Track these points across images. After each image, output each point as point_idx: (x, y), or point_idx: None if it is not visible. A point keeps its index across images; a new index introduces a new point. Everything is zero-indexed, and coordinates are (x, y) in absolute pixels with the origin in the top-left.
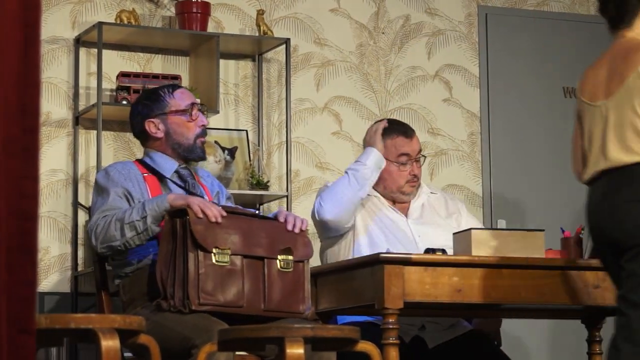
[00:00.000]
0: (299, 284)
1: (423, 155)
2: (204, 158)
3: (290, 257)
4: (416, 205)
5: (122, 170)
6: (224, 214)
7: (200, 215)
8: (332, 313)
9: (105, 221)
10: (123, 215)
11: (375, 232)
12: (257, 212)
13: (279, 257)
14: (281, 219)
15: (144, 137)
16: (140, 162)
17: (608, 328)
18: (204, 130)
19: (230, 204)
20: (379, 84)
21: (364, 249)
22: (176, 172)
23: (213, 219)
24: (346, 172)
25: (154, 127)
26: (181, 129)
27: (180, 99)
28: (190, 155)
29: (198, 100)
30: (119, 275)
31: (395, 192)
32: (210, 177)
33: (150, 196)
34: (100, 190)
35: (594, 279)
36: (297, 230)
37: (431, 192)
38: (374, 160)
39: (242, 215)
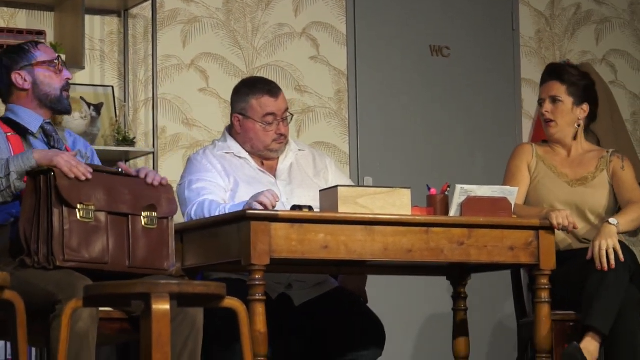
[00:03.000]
0: (163, 241)
1: (290, 114)
2: (70, 111)
3: (155, 214)
4: (284, 166)
5: None
6: (91, 170)
7: (71, 176)
8: (198, 269)
9: None
10: None
11: (245, 195)
12: (119, 169)
13: (143, 213)
14: (141, 175)
15: (9, 92)
16: (3, 120)
17: (473, 285)
18: (69, 84)
19: (96, 160)
20: (246, 41)
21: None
22: (41, 127)
23: (82, 177)
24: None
25: (21, 78)
26: (48, 80)
27: (45, 52)
28: (58, 106)
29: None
30: None
31: (263, 150)
32: (73, 136)
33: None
34: None
35: (460, 236)
36: (156, 184)
37: (299, 150)
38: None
39: (105, 172)
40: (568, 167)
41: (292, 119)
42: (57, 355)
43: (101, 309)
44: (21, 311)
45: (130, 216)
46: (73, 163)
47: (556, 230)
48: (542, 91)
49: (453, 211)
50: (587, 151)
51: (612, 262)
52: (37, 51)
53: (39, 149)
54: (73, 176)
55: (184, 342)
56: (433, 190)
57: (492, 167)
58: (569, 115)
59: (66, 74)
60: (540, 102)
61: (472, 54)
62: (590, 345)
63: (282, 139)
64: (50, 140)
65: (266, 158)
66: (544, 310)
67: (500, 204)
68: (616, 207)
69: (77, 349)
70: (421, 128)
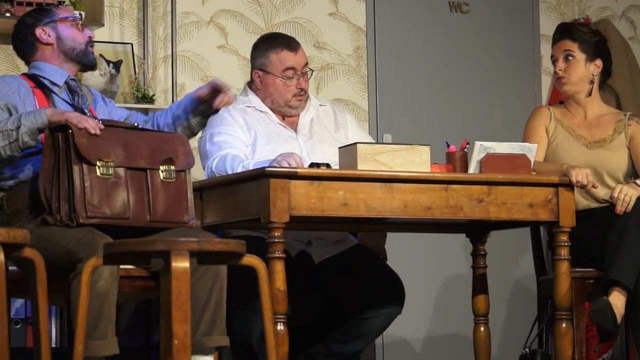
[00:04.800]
0: (182, 194)
1: (310, 69)
2: (95, 65)
3: (172, 167)
4: (305, 121)
5: (12, 83)
6: (102, 126)
7: (81, 127)
8: (217, 227)
9: None
10: None
11: (265, 149)
12: (136, 124)
13: (161, 167)
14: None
15: (33, 49)
16: (28, 75)
17: (492, 242)
18: (92, 41)
19: (119, 109)
20: None
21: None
22: (66, 82)
23: (92, 131)
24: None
25: (45, 34)
26: (72, 35)
27: (66, 10)
28: (84, 59)
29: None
30: (2, 188)
31: (283, 106)
32: (92, 93)
33: None
34: None
35: (479, 193)
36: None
37: (320, 105)
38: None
39: (121, 127)
40: (585, 129)
41: (312, 74)
42: (77, 313)
43: (121, 267)
44: (41, 269)
45: (148, 170)
46: (84, 117)
47: (575, 193)
48: (554, 50)
49: (472, 168)
50: (604, 113)
51: (630, 208)
52: (58, 9)
53: (53, 108)
54: (83, 127)
55: (208, 292)
56: (452, 147)
57: (511, 124)
58: (582, 71)
59: (88, 32)
60: (554, 61)
61: (491, 10)
62: (617, 301)
63: (303, 94)
64: (74, 96)
65: (286, 115)
66: (564, 268)
67: (519, 160)
68: (634, 170)
69: (98, 307)
70: (440, 84)
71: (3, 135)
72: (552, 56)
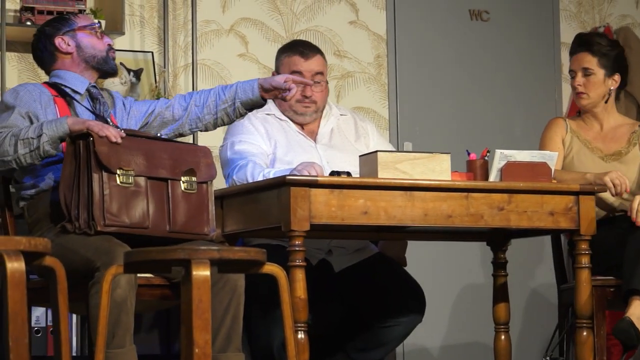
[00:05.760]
0: (203, 206)
1: (324, 80)
2: (116, 72)
3: (194, 179)
4: (325, 131)
5: (33, 91)
6: (123, 134)
7: (102, 135)
8: (238, 235)
9: (1, 136)
10: (19, 131)
11: (285, 158)
12: (158, 134)
13: (183, 178)
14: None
15: (53, 58)
16: (49, 84)
17: (513, 250)
18: (112, 48)
19: (140, 104)
20: (285, 5)
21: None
22: (87, 90)
23: (113, 139)
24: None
25: (64, 43)
26: (91, 43)
27: (84, 19)
28: (104, 66)
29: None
30: (23, 197)
31: (288, 110)
32: (112, 95)
33: None
34: (4, 107)
35: (500, 201)
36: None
37: (341, 114)
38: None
39: (143, 137)
40: (601, 141)
41: (326, 85)
42: (97, 322)
43: (141, 275)
44: (62, 277)
45: (169, 181)
46: (105, 126)
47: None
48: (572, 62)
49: (493, 176)
50: (619, 125)
51: None
52: (77, 18)
53: (74, 117)
54: (104, 135)
55: (225, 307)
56: (473, 155)
57: (531, 132)
58: (601, 87)
59: (107, 39)
60: (572, 74)
61: (512, 18)
62: (637, 310)
63: (307, 102)
64: (96, 103)
65: (295, 121)
66: (584, 276)
67: (540, 168)
68: None
69: (115, 316)
70: (460, 93)
71: (24, 143)
72: (570, 70)
